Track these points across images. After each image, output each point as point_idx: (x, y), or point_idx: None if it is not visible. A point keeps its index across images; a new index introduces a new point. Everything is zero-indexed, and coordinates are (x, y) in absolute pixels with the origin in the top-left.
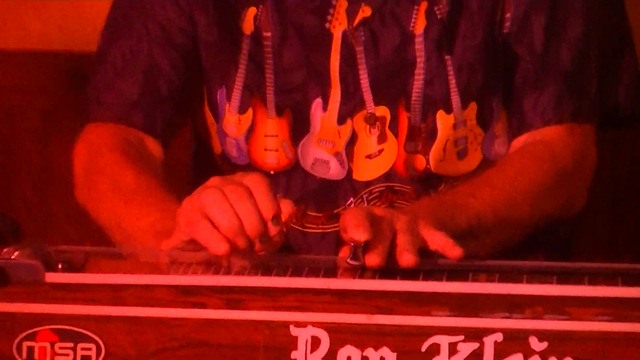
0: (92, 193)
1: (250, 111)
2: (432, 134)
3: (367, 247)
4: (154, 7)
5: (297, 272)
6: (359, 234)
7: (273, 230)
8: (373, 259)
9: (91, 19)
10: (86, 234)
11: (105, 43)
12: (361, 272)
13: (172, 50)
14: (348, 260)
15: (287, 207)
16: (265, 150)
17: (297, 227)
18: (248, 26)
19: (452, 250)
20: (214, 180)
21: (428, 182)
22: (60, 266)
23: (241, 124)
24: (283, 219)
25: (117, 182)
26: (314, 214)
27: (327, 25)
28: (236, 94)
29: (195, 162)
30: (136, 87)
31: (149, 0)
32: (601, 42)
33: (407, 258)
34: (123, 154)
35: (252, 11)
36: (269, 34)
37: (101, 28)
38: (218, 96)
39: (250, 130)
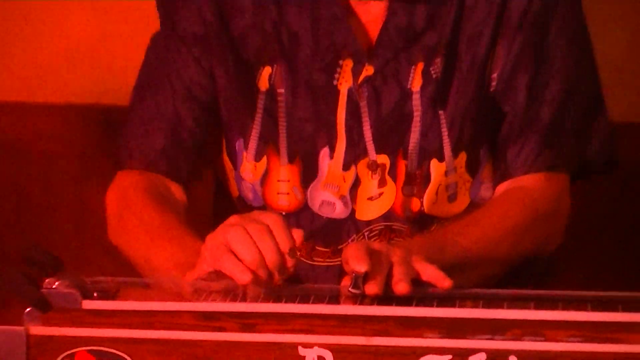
0: (123, 232)
1: (264, 159)
2: (426, 179)
3: (366, 277)
4: (179, 67)
5: (304, 300)
6: (360, 266)
7: (289, 262)
8: (372, 288)
9: (122, 76)
10: (118, 266)
11: (135, 99)
12: (361, 299)
13: (194, 106)
14: (350, 289)
15: (298, 236)
16: (278, 193)
17: (306, 260)
18: (263, 83)
19: (442, 282)
20: (234, 219)
21: (422, 222)
22: (95, 294)
23: (257, 170)
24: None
25: (144, 223)
26: (321, 248)
27: (334, 82)
28: (252, 144)
29: (215, 203)
30: (162, 138)
31: (174, 61)
32: (577, 102)
33: (401, 287)
34: (150, 198)
35: (267, 70)
36: (282, 91)
37: (130, 84)
38: (236, 146)
39: (265, 176)
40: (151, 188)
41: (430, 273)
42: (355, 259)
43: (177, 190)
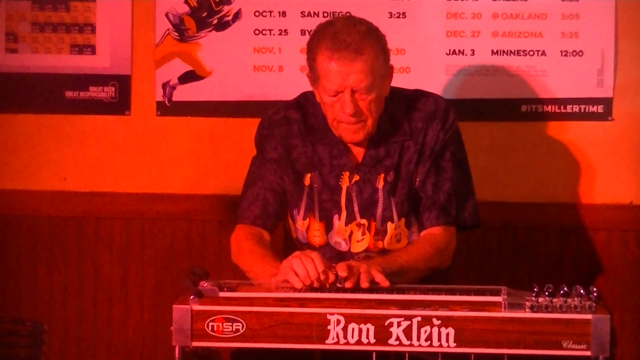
0: (239, 257)
1: (308, 219)
2: (385, 232)
3: (345, 279)
4: (266, 174)
5: (327, 291)
6: (342, 273)
7: (322, 276)
8: (348, 284)
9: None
10: (236, 276)
11: (245, 187)
12: (358, 289)
13: (274, 193)
14: (337, 284)
15: (326, 264)
16: (314, 236)
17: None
18: (307, 182)
19: (384, 283)
20: (296, 253)
21: (383, 252)
22: (225, 289)
23: (304, 225)
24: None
25: (250, 251)
26: (335, 265)
27: (340, 183)
28: (302, 212)
29: (285, 241)
30: (258, 209)
31: (263, 171)
32: (458, 192)
33: (364, 284)
34: (253, 238)
35: (308, 175)
36: (316, 186)
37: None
38: (294, 212)
39: (308, 228)
40: (253, 233)
41: (378, 278)
42: (340, 270)
43: (266, 235)
